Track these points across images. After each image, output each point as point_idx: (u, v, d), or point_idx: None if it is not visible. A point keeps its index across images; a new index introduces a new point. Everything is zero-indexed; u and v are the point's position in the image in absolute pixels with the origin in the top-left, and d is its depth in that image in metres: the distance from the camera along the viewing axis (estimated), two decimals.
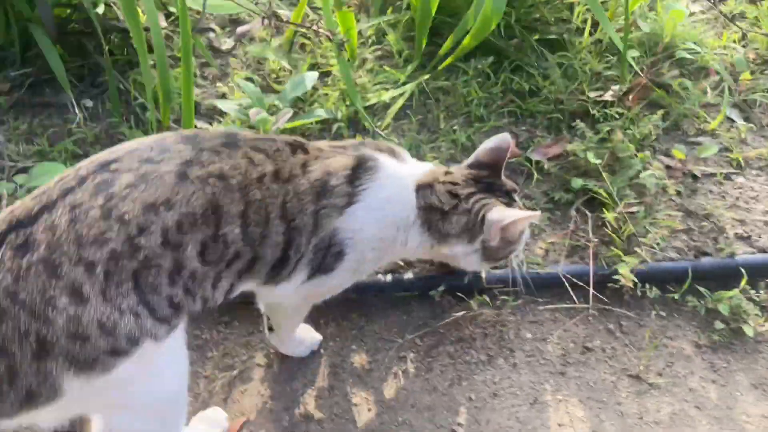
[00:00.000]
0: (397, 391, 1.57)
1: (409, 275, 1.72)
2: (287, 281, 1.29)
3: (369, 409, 1.54)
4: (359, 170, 1.29)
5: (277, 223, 1.19)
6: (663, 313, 1.74)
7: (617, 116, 2.02)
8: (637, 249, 1.75)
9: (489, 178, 1.46)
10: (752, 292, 1.73)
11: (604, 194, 1.83)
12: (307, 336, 1.61)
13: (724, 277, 1.76)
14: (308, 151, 1.28)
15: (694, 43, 2.21)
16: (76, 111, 2.00)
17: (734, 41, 2.36)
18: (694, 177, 1.98)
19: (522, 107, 2.11)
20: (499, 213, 1.38)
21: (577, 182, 1.86)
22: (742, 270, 1.73)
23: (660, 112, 2.02)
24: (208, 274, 1.13)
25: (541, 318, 1.72)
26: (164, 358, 1.13)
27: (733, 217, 1.90)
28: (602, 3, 2.24)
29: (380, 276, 1.71)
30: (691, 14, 2.44)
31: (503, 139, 1.48)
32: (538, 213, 1.45)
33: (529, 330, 1.69)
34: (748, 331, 1.67)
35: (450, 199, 1.40)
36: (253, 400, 1.54)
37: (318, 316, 1.68)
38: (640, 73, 1.99)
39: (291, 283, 1.30)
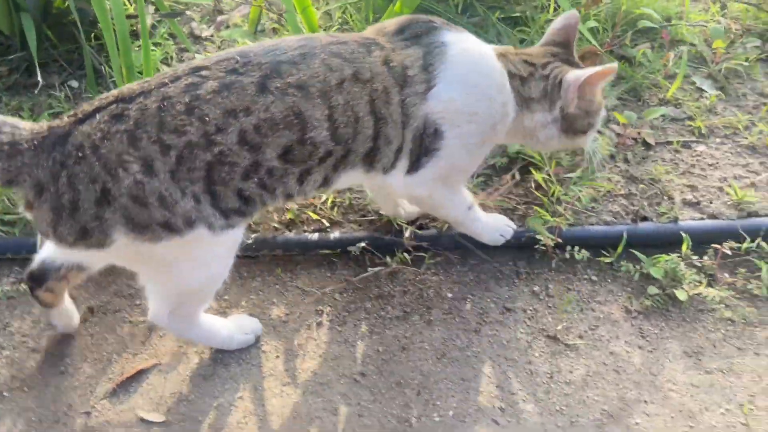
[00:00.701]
0: (307, 341, 1.59)
1: (335, 234, 1.75)
2: (393, 170, 1.39)
3: (277, 357, 1.57)
4: (429, 56, 1.33)
5: (366, 119, 1.28)
6: (594, 278, 1.67)
7: None
8: (564, 212, 1.70)
9: (563, 55, 1.49)
10: (695, 258, 1.63)
11: (538, 157, 1.79)
12: (499, 222, 1.66)
13: (667, 244, 1.68)
14: (383, 46, 1.32)
15: (662, 14, 2.13)
16: (59, 91, 2.19)
17: (714, 13, 2.26)
18: (648, 145, 1.90)
19: None
20: (574, 73, 1.42)
21: (514, 146, 1.84)
22: (684, 235, 1.64)
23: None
24: (290, 170, 1.25)
25: (465, 279, 1.69)
26: (213, 250, 1.27)
27: (684, 183, 1.80)
28: None
29: (306, 234, 1.76)
30: None
31: (572, 15, 1.51)
32: (615, 65, 1.44)
33: (451, 290, 1.67)
34: (681, 295, 1.57)
35: (527, 67, 1.45)
36: (168, 345, 1.60)
37: (245, 271, 1.74)
38: (593, 42, 1.94)
39: (397, 173, 1.40)
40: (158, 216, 1.18)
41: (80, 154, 1.14)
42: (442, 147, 1.38)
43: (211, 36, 2.43)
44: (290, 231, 1.79)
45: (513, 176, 1.80)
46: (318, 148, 1.27)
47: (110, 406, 1.51)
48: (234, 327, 1.57)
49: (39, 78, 2.03)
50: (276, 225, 1.80)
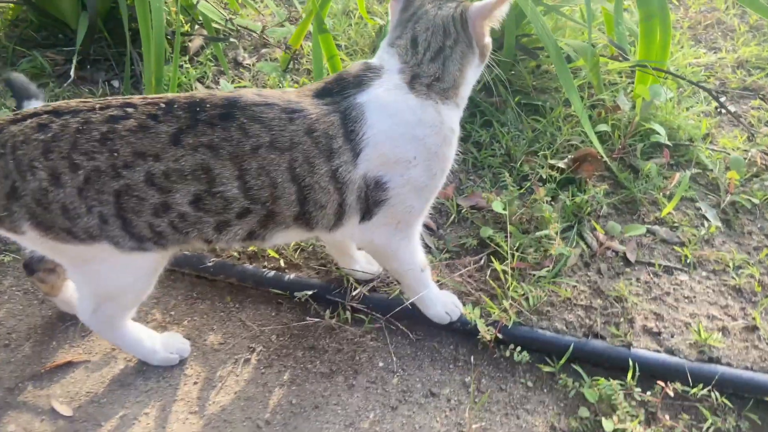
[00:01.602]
0: (229, 375, 1.61)
1: (290, 276, 1.78)
2: (342, 226, 1.41)
3: (195, 383, 1.60)
4: (348, 122, 1.31)
5: (286, 186, 1.30)
6: (530, 384, 1.61)
7: (565, 183, 1.95)
8: (509, 308, 1.65)
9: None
10: (638, 390, 1.55)
11: (505, 247, 1.76)
12: (449, 300, 1.66)
13: (615, 368, 1.60)
14: (307, 113, 1.30)
15: (687, 133, 2.07)
16: (100, 88, 2.36)
17: (743, 142, 2.17)
18: (627, 261, 1.83)
19: (477, 158, 2.11)
20: (475, 6, 1.38)
21: (486, 231, 1.82)
22: (633, 363, 1.56)
23: (602, 187, 1.92)
24: (205, 220, 1.31)
25: (401, 351, 1.67)
26: (123, 265, 1.34)
27: (651, 309, 1.72)
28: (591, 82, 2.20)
29: (263, 269, 1.79)
30: (706, 112, 2.30)
31: None
32: None
33: (384, 359, 1.65)
34: (607, 426, 1.49)
35: (422, 62, 1.37)
36: (104, 344, 1.67)
37: (197, 292, 1.79)
38: (598, 147, 1.91)
39: (347, 227, 1.42)
40: (60, 222, 1.26)
41: (1, 151, 1.24)
42: (390, 196, 1.38)
43: (251, 65, 2.55)
44: (250, 263, 1.84)
45: (476, 262, 1.78)
46: (231, 204, 1.31)
47: (32, 388, 1.58)
48: (161, 343, 1.61)
49: (71, 73, 2.19)
50: (237, 254, 1.85)
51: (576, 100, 1.92)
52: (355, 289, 1.72)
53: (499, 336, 1.61)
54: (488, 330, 1.58)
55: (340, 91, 1.33)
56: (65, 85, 2.30)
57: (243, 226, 1.37)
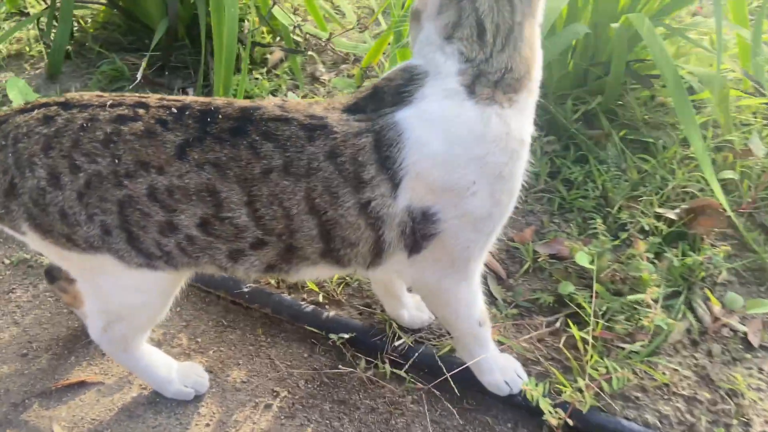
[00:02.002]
0: (246, 420, 1.40)
1: (329, 313, 1.55)
2: (382, 264, 1.19)
3: (207, 425, 1.40)
4: (382, 147, 1.07)
5: (304, 218, 1.10)
6: None
7: (674, 238, 1.59)
8: (586, 389, 1.32)
9: None
10: None
11: (588, 309, 1.43)
12: (510, 367, 1.38)
13: None
14: (331, 132, 1.08)
15: None
16: (173, 93, 2.29)
17: None
18: (748, 345, 1.44)
19: (565, 199, 1.80)
20: None
21: (566, 287, 1.50)
22: None
23: (723, 247, 1.54)
24: (216, 246, 1.14)
25: (446, 422, 1.38)
26: (130, 281, 1.19)
27: None
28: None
29: (302, 303, 1.58)
30: None
31: None
32: None
33: (425, 429, 1.37)
34: None
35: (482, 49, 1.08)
36: (122, 368, 1.51)
37: (229, 319, 1.61)
38: (721, 198, 1.54)
39: (391, 265, 1.19)
40: (59, 227, 1.12)
41: (3, 143, 1.12)
42: (441, 230, 1.12)
43: (328, 81, 2.40)
44: (289, 293, 1.63)
45: (551, 324, 1.46)
46: (242, 232, 1.12)
47: (37, 407, 1.45)
48: (178, 373, 1.43)
49: (138, 75, 2.12)
50: (276, 282, 1.65)
51: (696, 139, 1.57)
52: (399, 338, 1.46)
53: (570, 422, 1.28)
54: (555, 412, 1.26)
55: (375, 107, 1.09)
56: (130, 87, 2.25)
57: (260, 258, 1.16)
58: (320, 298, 1.61)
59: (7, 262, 1.79)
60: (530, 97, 1.12)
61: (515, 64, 1.08)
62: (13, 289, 1.72)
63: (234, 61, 2.01)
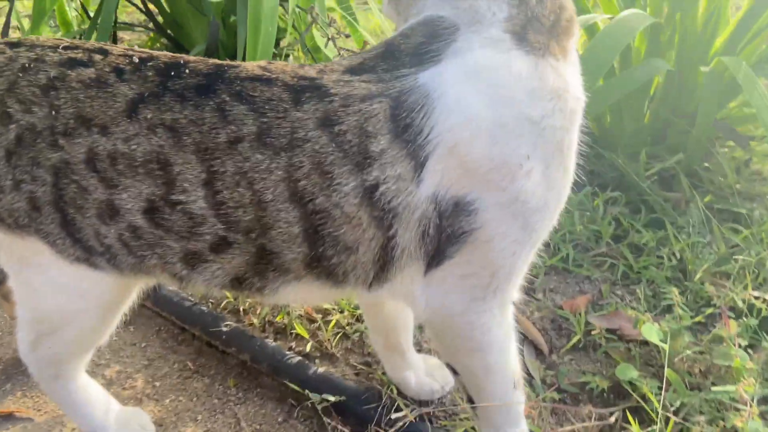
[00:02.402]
0: None
1: (318, 369, 1.23)
2: (388, 283, 0.90)
3: None
4: (401, 113, 0.81)
5: (282, 208, 0.84)
6: None
7: None
8: None
9: None
10: None
11: (655, 402, 1.06)
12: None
13: None
14: (327, 92, 0.82)
15: None
16: None
17: None
18: None
19: (632, 267, 1.45)
20: None
21: (627, 372, 1.12)
22: None
23: None
24: (167, 243, 0.89)
25: None
26: (62, 277, 0.94)
27: None
28: None
29: (287, 353, 1.27)
30: None
31: None
32: None
33: None
34: None
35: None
36: (54, 407, 1.23)
37: (198, 364, 1.32)
38: None
39: (400, 283, 0.90)
40: None
41: None
42: (480, 225, 0.83)
43: None
44: (275, 338, 1.33)
45: (603, 417, 1.09)
46: (199, 225, 0.85)
47: None
48: (116, 421, 1.13)
49: None
50: (261, 323, 1.36)
51: None
52: (399, 410, 1.12)
53: None
54: None
55: (389, 68, 0.83)
56: None
57: (223, 266, 0.88)
58: (309, 348, 1.29)
59: None
60: (576, 42, 0.87)
61: (566, 2, 0.83)
62: None
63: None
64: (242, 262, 0.88)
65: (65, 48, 0.89)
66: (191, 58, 0.87)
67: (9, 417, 1.22)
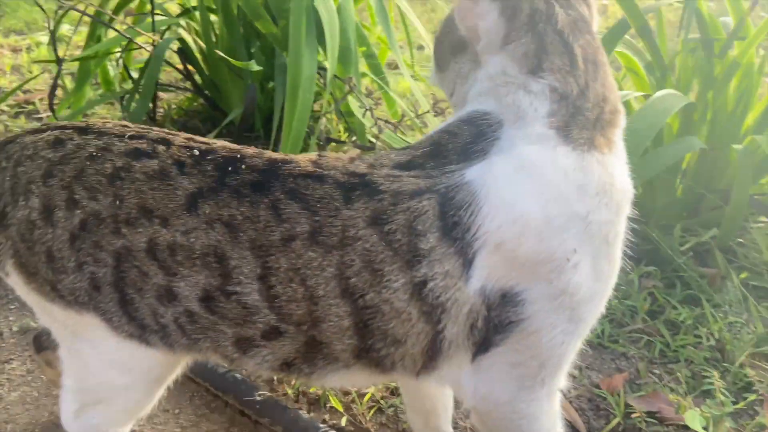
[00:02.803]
0: None
1: (342, 423, 1.22)
2: (436, 371, 0.91)
3: None
4: (449, 212, 0.83)
5: (333, 303, 0.86)
6: None
7: None
8: None
9: None
10: None
11: None
12: None
13: None
14: (376, 189, 0.85)
15: None
16: None
17: None
18: None
19: (669, 345, 1.43)
20: None
21: None
22: None
23: None
24: (221, 329, 0.92)
25: None
26: (114, 353, 0.97)
27: None
28: None
29: (323, 426, 1.26)
30: None
31: None
32: None
33: None
34: None
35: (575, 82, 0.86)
36: None
37: (229, 430, 1.31)
38: None
39: (448, 371, 0.90)
40: (44, 271, 0.92)
41: (4, 165, 0.96)
42: (527, 316, 0.84)
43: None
44: (309, 410, 1.32)
45: None
46: (253, 314, 0.87)
47: None
48: None
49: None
50: (294, 392, 1.36)
51: None
52: None
53: None
54: None
55: (436, 165, 0.85)
56: None
57: (274, 352, 0.91)
58: (344, 422, 1.29)
59: (14, 329, 1.61)
60: (621, 132, 0.90)
61: (608, 92, 0.86)
62: (11, 359, 1.52)
63: (299, 150, 1.88)
64: (293, 349, 0.90)
65: (131, 137, 0.93)
66: (248, 152, 0.91)
67: None
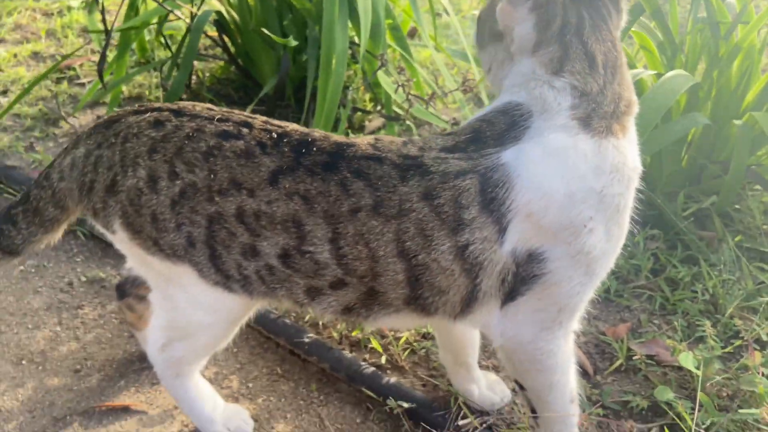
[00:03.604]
0: None
1: (390, 379, 1.42)
2: (470, 315, 1.09)
3: None
4: (488, 189, 0.99)
5: (390, 261, 1.04)
6: None
7: None
8: None
9: None
10: None
11: (690, 422, 1.22)
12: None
13: None
14: (427, 170, 1.02)
15: None
16: None
17: None
18: None
19: (668, 299, 1.61)
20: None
21: (665, 393, 1.30)
22: None
23: None
24: (295, 280, 1.10)
25: None
26: (202, 296, 1.14)
27: None
28: None
29: (362, 363, 1.46)
30: None
31: None
32: None
33: None
34: None
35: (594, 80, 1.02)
36: (169, 399, 1.43)
37: (284, 370, 1.51)
38: None
39: (480, 315, 1.09)
40: (148, 230, 1.10)
41: (113, 141, 1.13)
42: (549, 270, 1.02)
43: None
44: (351, 351, 1.52)
45: (641, 431, 1.26)
46: (323, 269, 1.07)
47: (77, 425, 1.38)
48: (222, 415, 1.33)
49: None
50: (338, 335, 1.55)
51: None
52: (464, 417, 1.30)
53: None
54: None
55: (477, 148, 1.02)
56: None
57: (338, 299, 1.10)
58: (383, 361, 1.48)
59: (83, 279, 1.80)
60: (634, 119, 1.07)
61: (623, 90, 1.03)
62: (82, 305, 1.71)
63: (332, 123, 2.03)
64: (354, 297, 1.09)
65: (219, 120, 1.10)
66: (317, 135, 1.08)
67: (125, 410, 1.42)
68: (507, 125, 1.02)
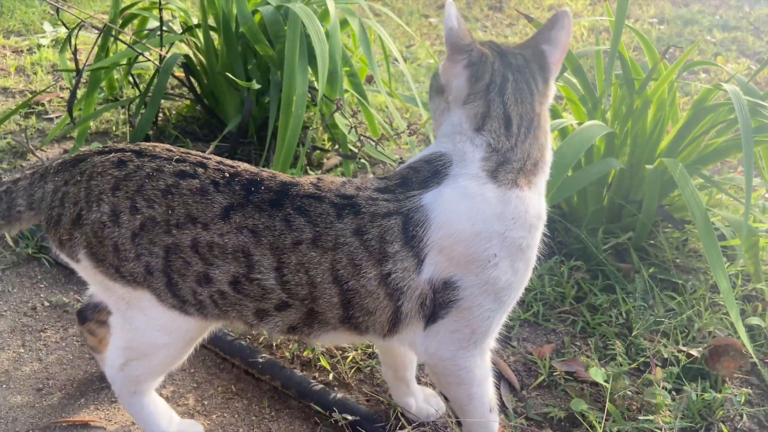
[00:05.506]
0: None
1: (337, 395, 1.55)
2: (397, 335, 1.24)
3: None
4: (409, 227, 1.16)
5: (327, 287, 1.19)
6: None
7: (695, 375, 1.55)
8: None
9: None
10: None
11: (599, 430, 1.39)
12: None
13: None
14: (359, 210, 1.17)
15: None
16: None
17: None
18: None
19: (589, 323, 1.80)
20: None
21: (579, 405, 1.46)
22: None
23: (745, 391, 1.49)
24: (245, 303, 1.23)
25: None
26: (161, 319, 1.26)
27: None
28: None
29: (312, 381, 1.59)
30: None
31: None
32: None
33: None
34: None
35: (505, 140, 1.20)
36: (125, 417, 1.53)
37: (239, 388, 1.62)
38: (746, 341, 1.52)
39: (406, 334, 1.24)
40: (110, 258, 1.23)
41: (78, 178, 1.26)
42: (462, 297, 1.18)
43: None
44: (301, 370, 1.65)
45: None
46: (269, 293, 1.21)
47: None
48: (177, 429, 1.44)
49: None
50: (290, 356, 1.68)
51: (724, 282, 1.58)
52: (402, 427, 1.44)
53: None
54: None
55: (403, 190, 1.19)
56: None
57: (283, 319, 1.24)
58: (330, 378, 1.61)
59: (46, 304, 1.89)
60: (544, 178, 1.23)
61: (534, 151, 1.19)
62: (45, 329, 1.80)
63: (291, 159, 2.18)
64: (297, 318, 1.24)
65: (177, 161, 1.24)
66: (265, 175, 1.23)
67: (85, 425, 1.51)
68: (430, 173, 1.19)
